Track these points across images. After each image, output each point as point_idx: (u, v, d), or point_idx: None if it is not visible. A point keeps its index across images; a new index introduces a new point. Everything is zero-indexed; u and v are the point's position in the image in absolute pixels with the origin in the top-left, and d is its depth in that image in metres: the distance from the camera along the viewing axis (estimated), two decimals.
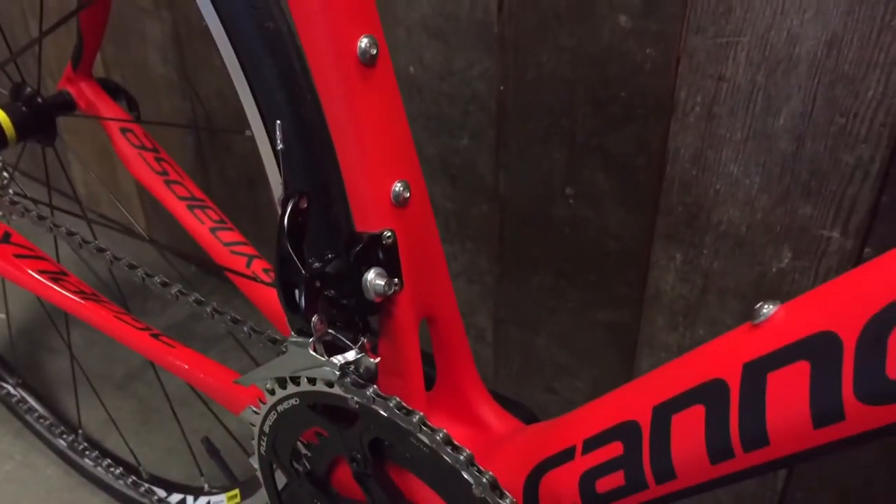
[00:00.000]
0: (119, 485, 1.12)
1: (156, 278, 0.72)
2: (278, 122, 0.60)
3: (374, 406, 0.60)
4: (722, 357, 0.49)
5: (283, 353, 0.62)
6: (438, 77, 1.00)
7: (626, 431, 0.53)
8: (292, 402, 0.66)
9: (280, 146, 0.60)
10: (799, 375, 0.44)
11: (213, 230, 0.88)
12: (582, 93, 0.89)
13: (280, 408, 0.68)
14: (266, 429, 0.71)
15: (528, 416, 0.73)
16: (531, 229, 1.02)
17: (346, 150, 0.59)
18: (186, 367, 0.79)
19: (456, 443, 0.58)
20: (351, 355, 0.60)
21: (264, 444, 0.72)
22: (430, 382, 0.71)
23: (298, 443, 0.71)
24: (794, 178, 0.79)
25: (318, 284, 0.59)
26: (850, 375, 0.42)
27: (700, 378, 0.49)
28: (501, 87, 0.95)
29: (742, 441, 0.47)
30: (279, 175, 0.62)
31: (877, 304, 0.41)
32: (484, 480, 0.57)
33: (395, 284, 0.61)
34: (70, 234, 0.82)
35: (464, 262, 1.13)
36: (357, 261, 0.59)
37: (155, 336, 0.80)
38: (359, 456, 0.65)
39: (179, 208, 0.89)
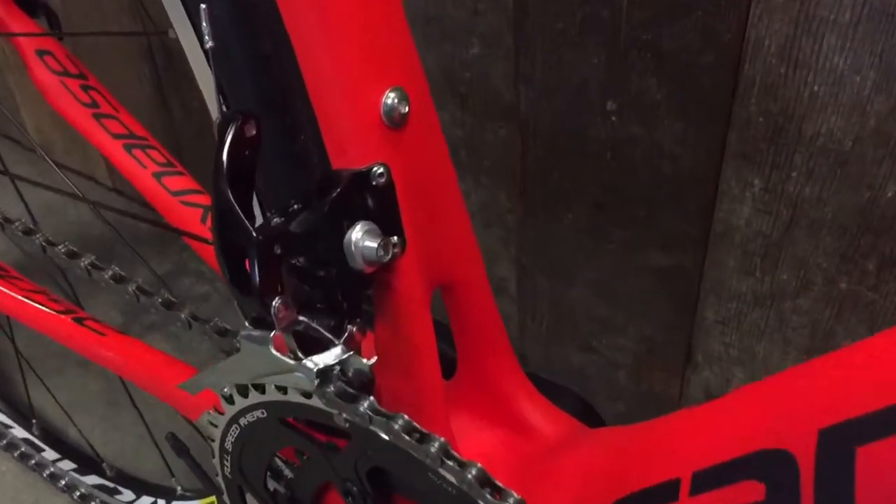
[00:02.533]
0: (80, 485, 0.94)
1: (60, 247, 0.52)
2: (203, 6, 0.39)
3: (371, 427, 0.41)
4: None
5: (237, 351, 0.43)
6: None
7: (769, 466, 0.34)
8: (258, 414, 0.47)
9: (209, 43, 0.39)
10: None
11: (157, 175, 0.68)
12: None
13: (243, 421, 0.49)
14: (228, 446, 0.51)
15: (581, 408, 0.54)
16: (562, 156, 0.83)
17: (311, 48, 0.39)
18: (122, 359, 0.60)
19: (498, 483, 0.39)
20: (332, 355, 0.41)
21: (228, 464, 0.53)
22: (448, 367, 0.52)
23: (275, 459, 0.53)
24: None
25: (277, 251, 0.39)
26: None
27: None
28: None
29: None
30: (213, 89, 0.41)
31: None
32: None
33: (394, 245, 0.41)
34: None
35: (479, 202, 0.93)
36: (334, 213, 0.40)
37: (79, 321, 0.61)
38: (355, 489, 0.46)
39: (114, 148, 0.69)
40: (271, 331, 0.41)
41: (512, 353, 0.51)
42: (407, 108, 0.40)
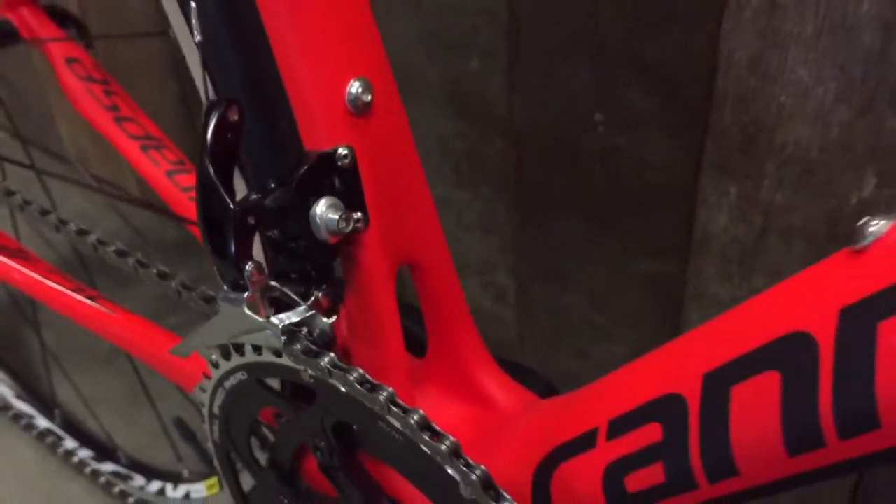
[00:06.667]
0: (99, 470, 0.99)
1: (110, 247, 0.57)
2: (193, 4, 0.44)
3: (331, 380, 0.45)
4: (806, 300, 0.33)
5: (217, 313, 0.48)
6: None
7: (665, 409, 0.38)
8: (239, 376, 0.52)
9: (198, 38, 0.45)
10: None
11: (169, 174, 0.74)
12: None
13: (227, 384, 0.54)
14: (216, 410, 0.56)
15: (545, 388, 0.58)
16: (554, 167, 0.87)
17: (285, 42, 0.44)
18: (126, 334, 0.65)
19: (436, 427, 0.43)
20: (296, 314, 0.45)
21: (216, 429, 0.58)
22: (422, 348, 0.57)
23: (257, 427, 0.57)
24: (881, 81, 0.62)
25: (252, 221, 0.44)
26: None
27: (774, 332, 0.34)
28: None
29: (838, 423, 0.31)
30: (202, 80, 0.47)
31: None
32: (473, 477, 0.42)
33: (357, 220, 0.46)
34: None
35: (479, 211, 0.97)
36: (303, 188, 0.45)
37: (91, 298, 0.67)
38: (322, 444, 0.50)
39: (131, 148, 0.75)
40: (245, 293, 0.46)
41: (476, 333, 0.56)
42: (370, 97, 0.45)
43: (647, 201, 0.82)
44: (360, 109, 0.45)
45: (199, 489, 0.86)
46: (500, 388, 0.55)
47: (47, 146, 1.61)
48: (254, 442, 0.60)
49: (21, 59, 1.46)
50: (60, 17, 0.84)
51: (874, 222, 0.31)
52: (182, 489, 0.89)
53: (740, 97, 0.70)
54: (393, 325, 0.50)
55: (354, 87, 0.44)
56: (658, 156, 0.78)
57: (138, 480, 0.95)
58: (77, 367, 1.13)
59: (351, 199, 0.46)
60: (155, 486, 0.93)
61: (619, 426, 0.41)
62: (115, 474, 0.98)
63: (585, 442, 0.42)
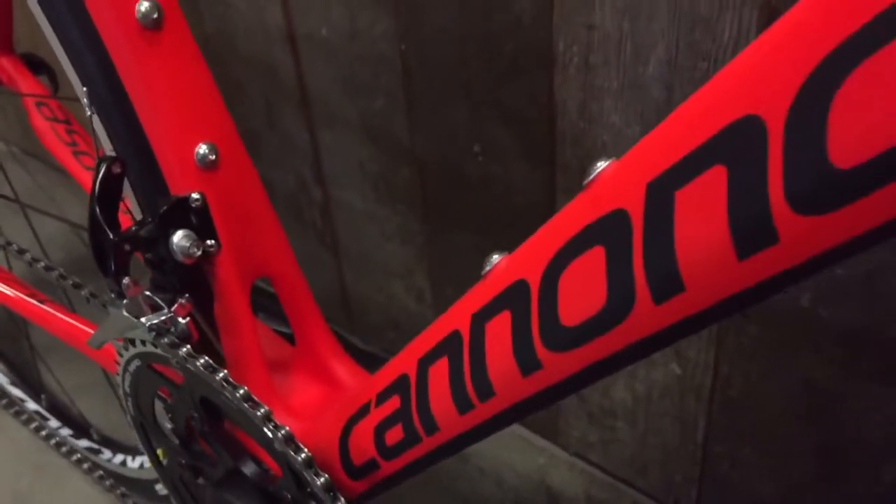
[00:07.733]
0: (74, 447, 1.17)
1: (54, 273, 0.75)
2: (84, 88, 0.61)
3: (187, 365, 0.61)
4: (463, 308, 0.49)
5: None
6: (348, 38, 1.00)
7: (401, 384, 0.54)
8: (136, 362, 0.68)
9: (88, 113, 0.61)
10: (505, 324, 0.44)
11: None
12: (473, 47, 0.88)
13: (130, 368, 0.70)
14: (128, 389, 0.73)
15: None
16: (449, 190, 1.02)
17: (145, 114, 0.60)
18: (71, 330, 0.82)
19: (256, 399, 0.59)
20: (160, 316, 0.61)
21: (131, 405, 0.74)
22: None
23: (158, 403, 0.73)
24: None
25: (127, 248, 0.60)
26: (536, 324, 0.41)
27: (446, 330, 0.50)
28: (403, 46, 0.95)
29: (476, 391, 0.47)
30: (99, 140, 0.63)
31: (556, 245, 0.40)
32: (280, 435, 0.58)
33: (210, 246, 0.62)
34: None
35: (396, 225, 1.13)
36: (165, 223, 0.60)
37: (40, 301, 0.83)
38: (195, 414, 0.66)
39: (85, 178, 0.92)
40: (124, 300, 0.62)
41: (326, 327, 0.71)
42: (215, 157, 0.61)
43: (520, 220, 0.97)
44: (207, 166, 0.61)
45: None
46: (346, 372, 0.71)
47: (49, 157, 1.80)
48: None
49: None
50: (36, 65, 1.01)
51: (493, 257, 0.47)
52: (138, 460, 1.05)
53: (575, 137, 0.85)
54: (246, 324, 0.66)
55: (202, 149, 0.60)
56: (523, 183, 0.93)
57: (106, 454, 1.12)
58: (63, 359, 1.30)
59: (204, 230, 0.62)
60: (119, 458, 1.09)
61: (381, 397, 0.56)
62: (89, 449, 1.15)
63: (366, 410, 0.58)
